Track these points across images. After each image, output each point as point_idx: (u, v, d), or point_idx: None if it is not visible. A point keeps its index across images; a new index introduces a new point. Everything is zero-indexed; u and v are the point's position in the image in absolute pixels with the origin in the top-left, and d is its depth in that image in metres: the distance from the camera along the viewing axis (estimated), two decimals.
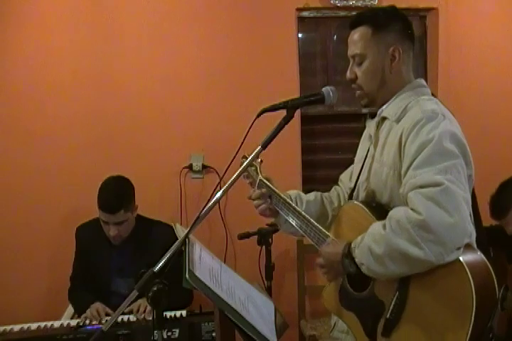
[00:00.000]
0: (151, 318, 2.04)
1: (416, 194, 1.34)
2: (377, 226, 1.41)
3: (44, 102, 2.91)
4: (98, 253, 2.44)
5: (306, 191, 1.92)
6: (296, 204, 1.80)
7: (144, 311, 2.16)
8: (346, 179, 1.85)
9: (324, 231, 1.62)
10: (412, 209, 1.33)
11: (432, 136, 1.39)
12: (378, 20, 1.58)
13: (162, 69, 2.96)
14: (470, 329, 1.26)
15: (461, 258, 1.30)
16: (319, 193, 1.89)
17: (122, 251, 2.43)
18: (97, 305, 2.26)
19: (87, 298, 2.34)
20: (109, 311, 2.26)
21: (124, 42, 2.93)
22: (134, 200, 2.45)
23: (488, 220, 2.30)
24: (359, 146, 1.79)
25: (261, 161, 1.91)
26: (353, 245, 1.45)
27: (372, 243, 1.38)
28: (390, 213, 1.39)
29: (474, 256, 1.35)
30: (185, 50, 2.97)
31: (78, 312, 2.36)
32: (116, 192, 2.36)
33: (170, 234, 2.43)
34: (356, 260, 1.42)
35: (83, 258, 2.49)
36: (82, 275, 2.49)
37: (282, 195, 1.77)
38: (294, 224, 1.72)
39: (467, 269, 1.28)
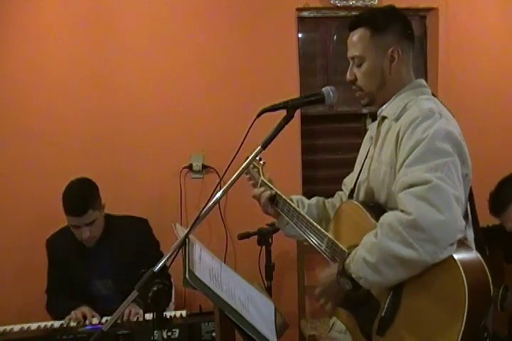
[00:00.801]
0: (149, 318, 2.06)
1: (405, 194, 1.34)
2: (368, 236, 1.41)
3: (44, 102, 2.91)
4: (74, 259, 2.40)
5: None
6: (298, 207, 1.80)
7: (132, 314, 2.14)
8: (349, 183, 1.84)
9: (323, 231, 1.62)
10: (401, 210, 1.34)
11: (426, 134, 1.39)
12: (377, 21, 1.58)
13: (162, 70, 2.96)
14: (463, 326, 1.26)
15: (455, 256, 1.30)
16: (322, 198, 1.89)
17: (97, 252, 2.40)
18: (84, 308, 2.23)
19: (71, 304, 2.28)
20: (94, 314, 2.24)
21: (124, 42, 2.93)
22: (100, 198, 2.41)
23: (487, 217, 2.30)
24: (361, 149, 1.80)
25: (263, 163, 1.91)
26: (347, 261, 1.44)
27: (365, 253, 1.38)
28: (380, 219, 1.40)
29: (469, 254, 1.35)
30: (185, 50, 2.97)
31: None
32: (80, 194, 2.33)
33: (140, 226, 2.44)
34: (353, 275, 1.42)
35: (59, 269, 2.44)
36: (59, 285, 2.43)
37: (283, 196, 1.78)
38: (293, 224, 1.72)
39: (460, 267, 1.28)
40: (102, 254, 2.39)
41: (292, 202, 1.82)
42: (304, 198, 1.87)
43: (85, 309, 2.23)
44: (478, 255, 1.36)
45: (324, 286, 1.55)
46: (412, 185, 1.34)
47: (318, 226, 1.63)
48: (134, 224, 2.48)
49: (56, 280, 2.46)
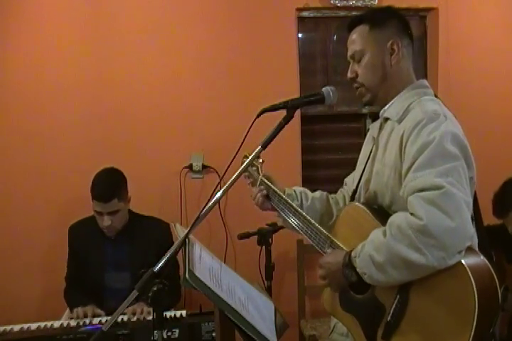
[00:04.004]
0: (150, 318, 2.06)
1: (416, 198, 1.32)
2: (377, 233, 1.39)
3: (44, 102, 2.91)
4: (92, 247, 2.44)
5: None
6: (302, 199, 1.81)
7: (141, 312, 2.15)
8: (351, 182, 1.83)
9: (325, 232, 1.61)
10: (412, 213, 1.32)
11: (433, 137, 1.37)
12: (375, 17, 1.59)
13: (162, 70, 2.96)
14: (472, 334, 1.24)
15: (463, 261, 1.28)
16: (325, 193, 1.89)
17: (117, 244, 2.44)
18: (86, 308, 2.24)
19: (81, 300, 2.32)
20: (100, 312, 2.25)
21: (124, 42, 2.93)
22: (127, 191, 2.46)
23: (488, 218, 2.30)
24: (362, 149, 1.78)
25: (262, 161, 1.91)
26: (353, 254, 1.43)
27: (373, 251, 1.37)
28: (390, 219, 1.38)
29: (477, 260, 1.33)
30: (185, 49, 2.97)
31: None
32: (109, 181, 2.39)
33: (164, 229, 2.48)
34: (358, 270, 1.41)
35: (77, 256, 2.48)
36: (76, 274, 2.48)
37: (283, 196, 1.77)
38: (294, 225, 1.71)
39: (469, 272, 1.26)
40: (122, 247, 2.43)
41: (295, 192, 1.82)
42: (307, 191, 1.87)
43: (88, 309, 2.24)
44: (486, 260, 1.33)
45: (328, 272, 1.53)
46: (422, 190, 1.32)
47: (320, 227, 1.62)
48: (158, 226, 2.50)
49: (74, 269, 2.50)
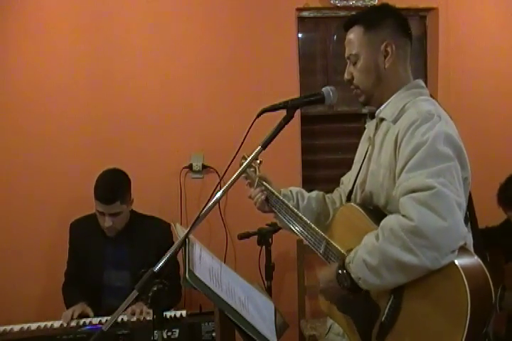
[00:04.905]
0: (150, 318, 2.06)
1: (407, 199, 1.32)
2: (369, 237, 1.39)
3: (45, 103, 2.91)
4: (92, 245, 2.45)
5: (306, 191, 1.92)
6: (298, 199, 1.81)
7: (141, 313, 2.15)
8: (347, 181, 1.83)
9: (321, 233, 1.61)
10: (403, 215, 1.32)
11: (427, 137, 1.37)
12: (370, 18, 1.58)
13: (162, 70, 2.96)
14: (465, 334, 1.24)
15: (456, 262, 1.28)
16: (321, 192, 1.90)
17: (117, 243, 2.45)
18: (75, 307, 2.24)
19: (76, 297, 2.34)
20: (88, 312, 2.25)
21: (123, 42, 2.93)
22: (130, 193, 2.47)
23: (488, 218, 2.30)
24: (358, 148, 1.79)
25: (260, 162, 1.91)
26: (347, 261, 1.43)
27: (366, 255, 1.36)
28: (382, 222, 1.38)
29: (470, 260, 1.32)
30: (185, 50, 2.98)
31: (67, 308, 2.34)
32: (113, 183, 2.40)
33: (165, 229, 2.49)
34: (352, 275, 1.40)
35: (77, 253, 2.49)
36: (75, 270, 2.50)
37: (280, 197, 1.78)
38: (291, 226, 1.72)
39: (462, 273, 1.26)
40: (122, 246, 2.44)
41: (291, 193, 1.83)
42: (303, 191, 1.87)
43: (77, 307, 2.24)
44: (480, 261, 1.33)
45: (325, 282, 1.53)
46: (414, 191, 1.32)
47: (316, 228, 1.62)
48: (159, 226, 2.51)
49: (74, 265, 2.51)
